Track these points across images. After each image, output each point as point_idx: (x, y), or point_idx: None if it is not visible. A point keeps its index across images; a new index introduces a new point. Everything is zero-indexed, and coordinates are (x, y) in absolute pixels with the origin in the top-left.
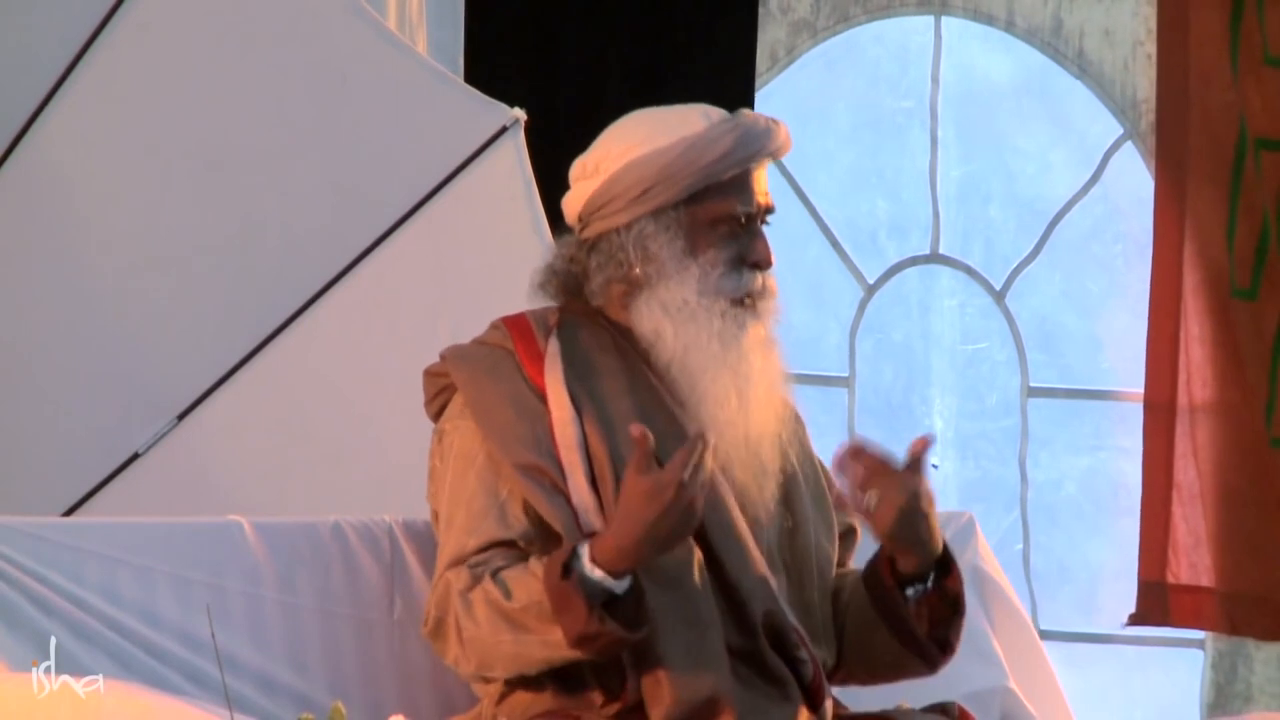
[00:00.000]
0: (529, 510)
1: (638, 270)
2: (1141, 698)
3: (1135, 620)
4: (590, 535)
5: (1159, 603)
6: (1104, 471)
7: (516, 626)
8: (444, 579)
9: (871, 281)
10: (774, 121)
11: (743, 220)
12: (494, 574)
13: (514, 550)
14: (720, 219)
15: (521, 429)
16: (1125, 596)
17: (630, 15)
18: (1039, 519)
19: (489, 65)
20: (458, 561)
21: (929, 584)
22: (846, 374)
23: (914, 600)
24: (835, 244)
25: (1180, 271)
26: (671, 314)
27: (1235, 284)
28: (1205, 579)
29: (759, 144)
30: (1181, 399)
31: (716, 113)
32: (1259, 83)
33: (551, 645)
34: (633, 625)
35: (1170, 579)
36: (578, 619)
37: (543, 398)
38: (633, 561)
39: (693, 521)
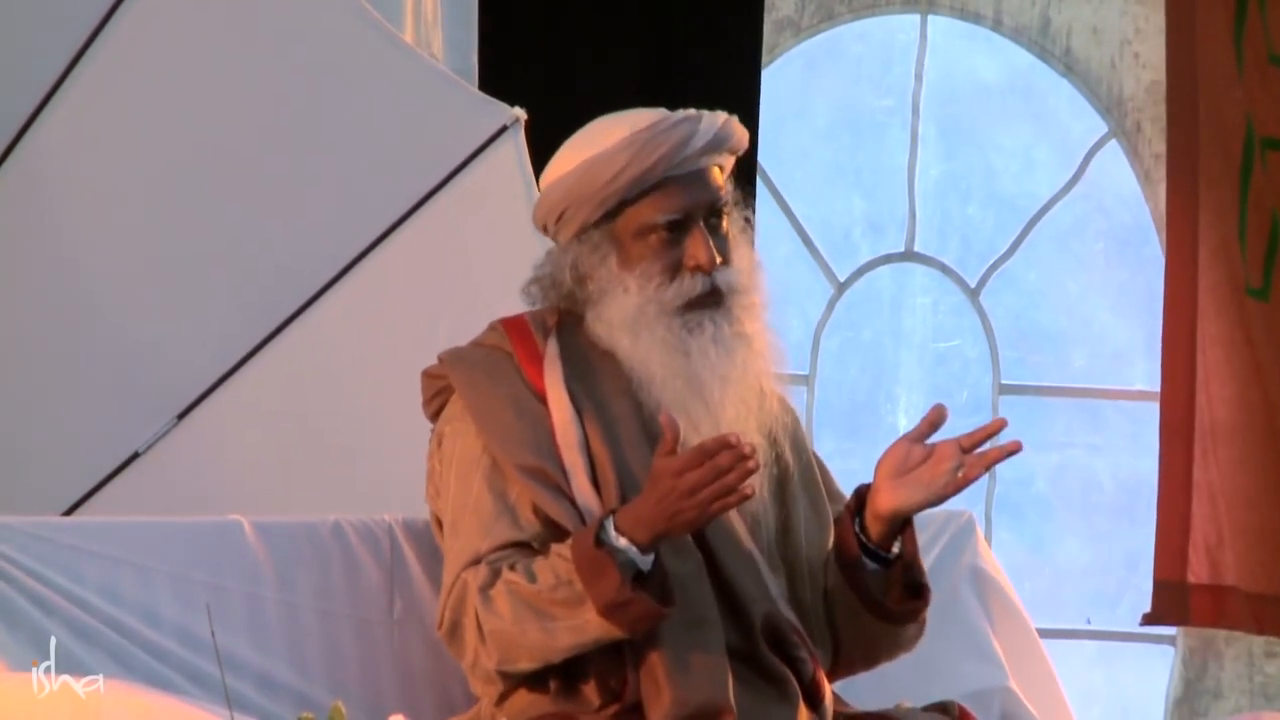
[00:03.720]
0: (538, 512)
1: (584, 290)
2: (1105, 693)
3: (1150, 619)
4: (613, 511)
5: (1177, 602)
6: (1074, 469)
7: (542, 614)
8: (461, 579)
9: (843, 279)
10: (695, 124)
11: (668, 227)
12: (512, 566)
13: (529, 550)
14: (644, 230)
15: (522, 431)
16: (1095, 592)
17: (641, 14)
18: (1008, 515)
19: (502, 64)
20: (474, 562)
21: (891, 556)
22: (807, 372)
23: (880, 573)
24: (807, 241)
25: (1194, 272)
26: (619, 328)
27: (1249, 284)
28: (1229, 578)
29: (655, 157)
30: (1200, 399)
31: (643, 121)
32: (1264, 82)
33: (579, 629)
34: (661, 600)
35: (1191, 578)
36: (610, 586)
37: (542, 399)
38: (655, 533)
39: (715, 512)
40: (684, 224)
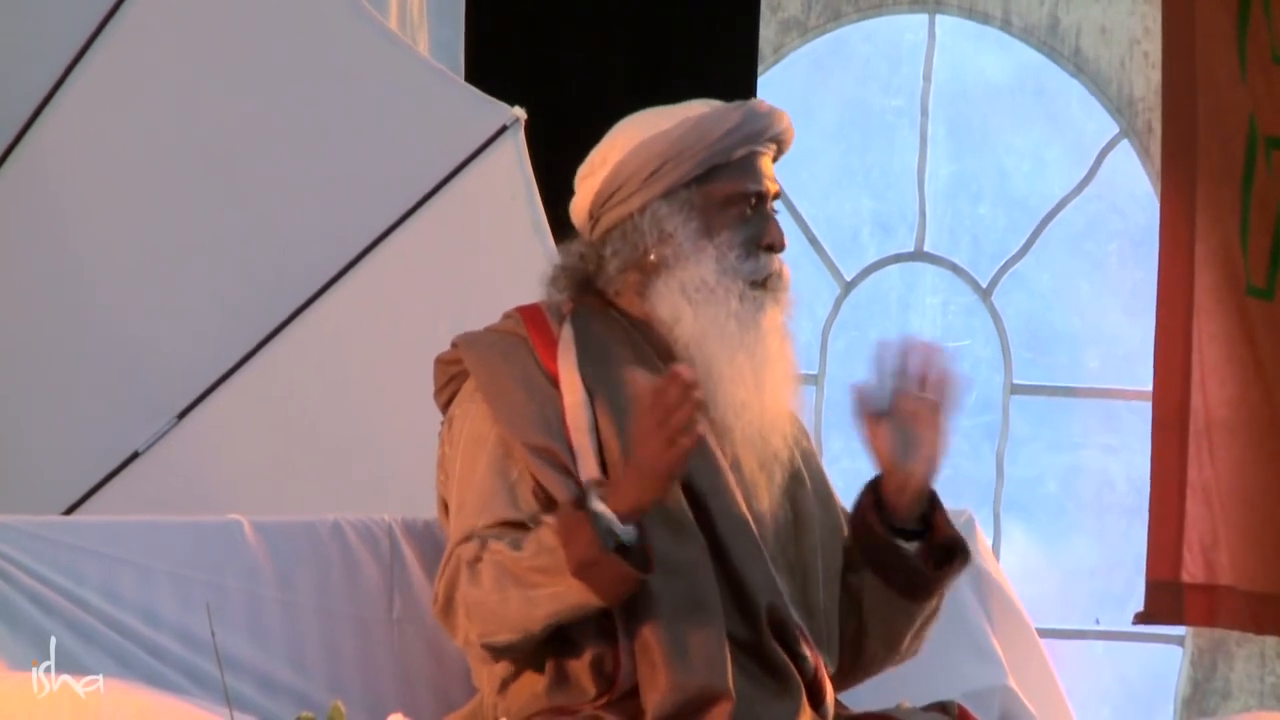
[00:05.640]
0: (539, 493)
1: (653, 256)
2: (1113, 693)
3: (1143, 618)
4: (600, 482)
5: (1172, 601)
6: (1086, 469)
7: (524, 583)
8: (455, 555)
9: (850, 279)
10: (776, 109)
11: (753, 201)
12: (499, 539)
13: (524, 530)
14: (732, 199)
15: (532, 410)
16: (1104, 592)
17: (632, 14)
18: (1018, 515)
19: (490, 64)
20: (468, 539)
21: (923, 534)
22: (815, 371)
23: (913, 550)
24: (813, 240)
25: (1191, 271)
26: (690, 295)
27: (1250, 283)
28: (1224, 578)
29: (764, 122)
30: (1195, 398)
31: (719, 103)
32: (1267, 81)
33: (558, 596)
34: (638, 566)
35: (1185, 578)
36: (583, 544)
37: (555, 382)
38: (630, 499)
39: (674, 456)
40: (762, 200)
